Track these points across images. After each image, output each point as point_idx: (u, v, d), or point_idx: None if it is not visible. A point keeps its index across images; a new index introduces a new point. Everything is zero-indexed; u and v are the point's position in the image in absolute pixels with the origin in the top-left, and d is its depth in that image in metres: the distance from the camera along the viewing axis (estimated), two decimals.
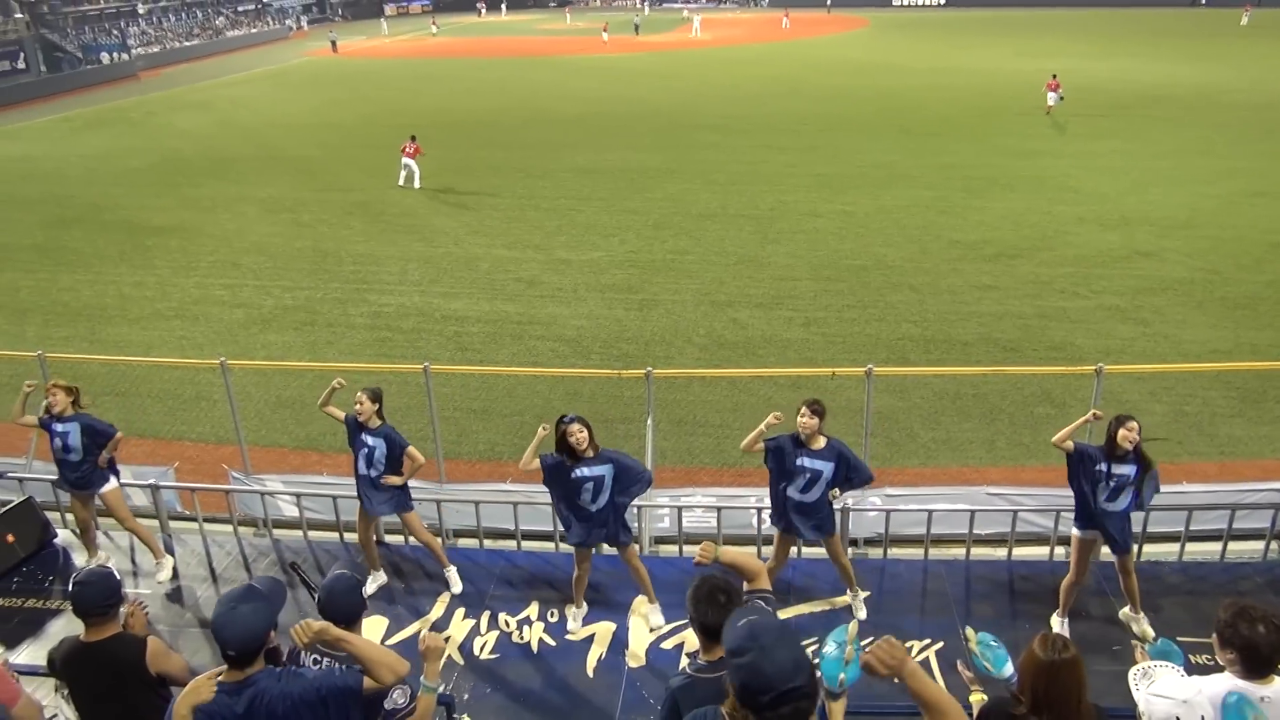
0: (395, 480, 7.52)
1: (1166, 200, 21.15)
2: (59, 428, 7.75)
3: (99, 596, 4.45)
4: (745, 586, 4.11)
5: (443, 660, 4.25)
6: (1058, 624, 7.02)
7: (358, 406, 7.39)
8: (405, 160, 24.59)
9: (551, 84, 43.30)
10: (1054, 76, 31.93)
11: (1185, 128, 29.02)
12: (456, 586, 7.74)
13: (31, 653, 6.94)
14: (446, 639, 7.09)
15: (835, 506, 7.05)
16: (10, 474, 9.16)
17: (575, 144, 29.45)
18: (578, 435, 6.67)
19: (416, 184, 24.52)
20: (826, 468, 6.78)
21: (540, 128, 32.53)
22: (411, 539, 8.03)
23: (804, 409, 6.75)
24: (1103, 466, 6.54)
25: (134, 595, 5.51)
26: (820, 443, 6.80)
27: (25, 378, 8.36)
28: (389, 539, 8.57)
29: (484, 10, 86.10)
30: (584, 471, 6.74)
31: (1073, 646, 3.55)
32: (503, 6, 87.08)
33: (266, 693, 3.73)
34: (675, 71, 45.93)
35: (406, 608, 7.54)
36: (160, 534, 8.71)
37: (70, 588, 4.47)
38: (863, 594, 7.33)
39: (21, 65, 47.44)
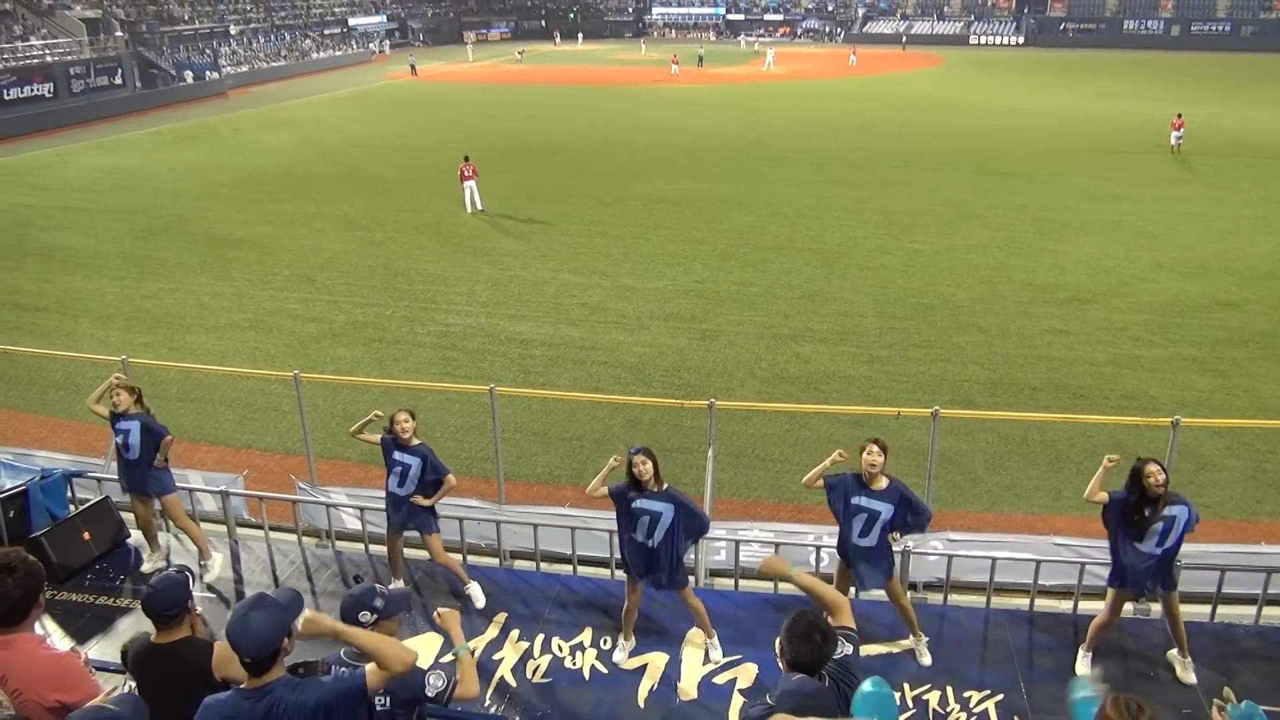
0: (425, 501, 7.66)
1: (1251, 249, 20.52)
2: (121, 425, 8.05)
3: (165, 603, 4.58)
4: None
5: (459, 622, 4.50)
6: (1082, 659, 6.97)
7: (401, 425, 7.52)
8: (465, 184, 24.81)
9: (624, 113, 43.79)
10: (1179, 115, 31.54)
11: (1274, 176, 28.15)
12: (480, 601, 7.82)
13: (101, 648, 7.14)
14: (500, 661, 7.13)
15: (895, 549, 6.97)
16: (90, 474, 9.49)
17: (645, 173, 29.70)
18: (641, 466, 6.70)
19: (479, 205, 24.78)
20: (886, 509, 6.72)
21: (611, 156, 32.90)
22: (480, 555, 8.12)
23: (872, 445, 6.70)
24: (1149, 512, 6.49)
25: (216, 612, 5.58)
26: (882, 483, 6.75)
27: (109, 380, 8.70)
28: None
29: (559, 39, 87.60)
30: (643, 504, 6.72)
31: (1149, 708, 3.45)
32: (579, 36, 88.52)
33: (283, 701, 3.85)
34: (747, 104, 46.10)
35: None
36: (228, 539, 8.95)
37: (144, 590, 4.62)
38: (925, 638, 7.20)
39: (119, 81, 49.48)
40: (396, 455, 7.61)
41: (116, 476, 8.52)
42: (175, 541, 8.89)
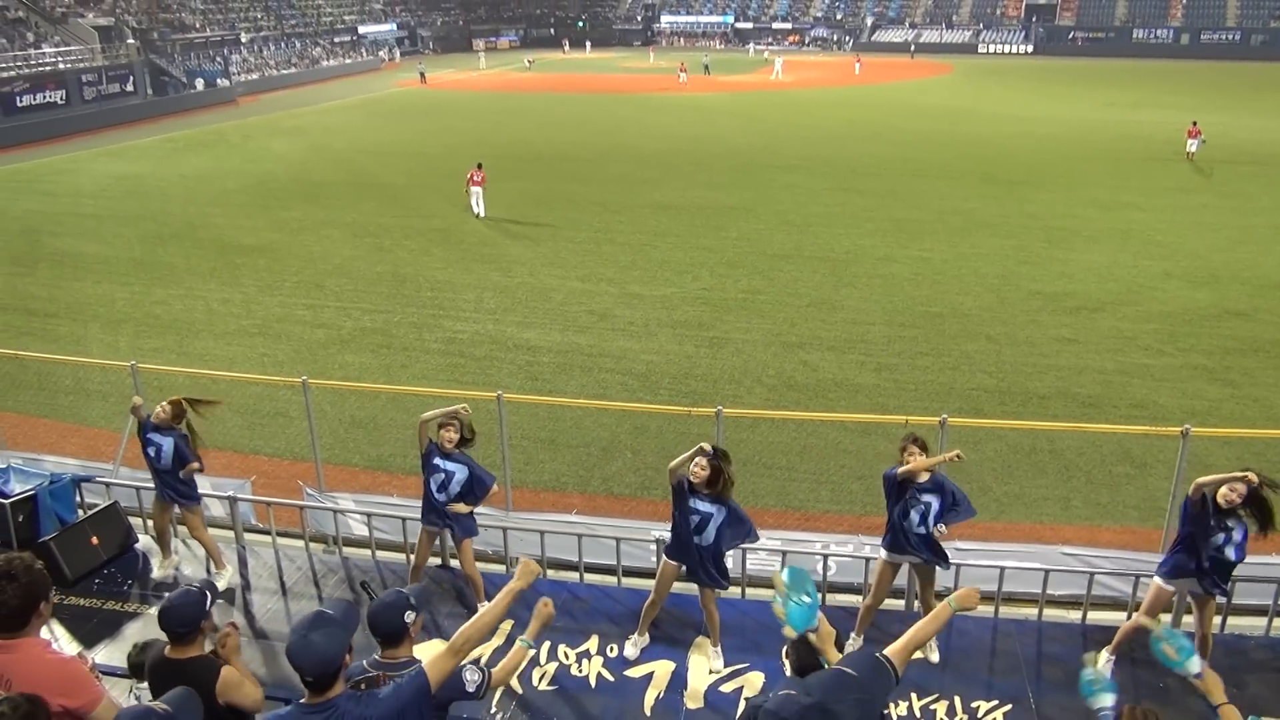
0: (463, 508, 7.66)
1: (1262, 259, 20.45)
2: (154, 437, 8.07)
3: (179, 620, 4.61)
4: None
5: (546, 623, 4.42)
6: (1104, 659, 6.93)
7: (447, 435, 7.57)
8: (473, 189, 25.08)
9: (633, 121, 43.87)
10: (1194, 123, 31.69)
11: None
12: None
13: (108, 653, 7.16)
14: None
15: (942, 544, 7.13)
16: (98, 479, 9.52)
17: (654, 180, 29.73)
18: (698, 471, 6.74)
19: (482, 211, 25.01)
20: (934, 500, 6.92)
21: (620, 163, 32.95)
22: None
23: (913, 447, 6.90)
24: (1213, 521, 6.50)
25: (226, 620, 5.58)
26: (925, 475, 6.92)
27: (117, 385, 8.76)
28: (454, 564, 8.65)
29: (568, 47, 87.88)
30: (695, 504, 6.80)
31: (1163, 718, 3.45)
32: (587, 44, 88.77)
33: (348, 715, 3.82)
34: (755, 112, 46.16)
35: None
36: (235, 544, 8.97)
37: (161, 604, 4.64)
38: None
39: (130, 88, 49.81)
40: (436, 461, 7.63)
41: (125, 482, 8.54)
42: (184, 548, 8.89)
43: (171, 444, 8.06)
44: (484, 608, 4.16)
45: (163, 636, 4.74)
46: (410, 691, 3.93)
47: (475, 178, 25.06)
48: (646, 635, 7.36)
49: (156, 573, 8.53)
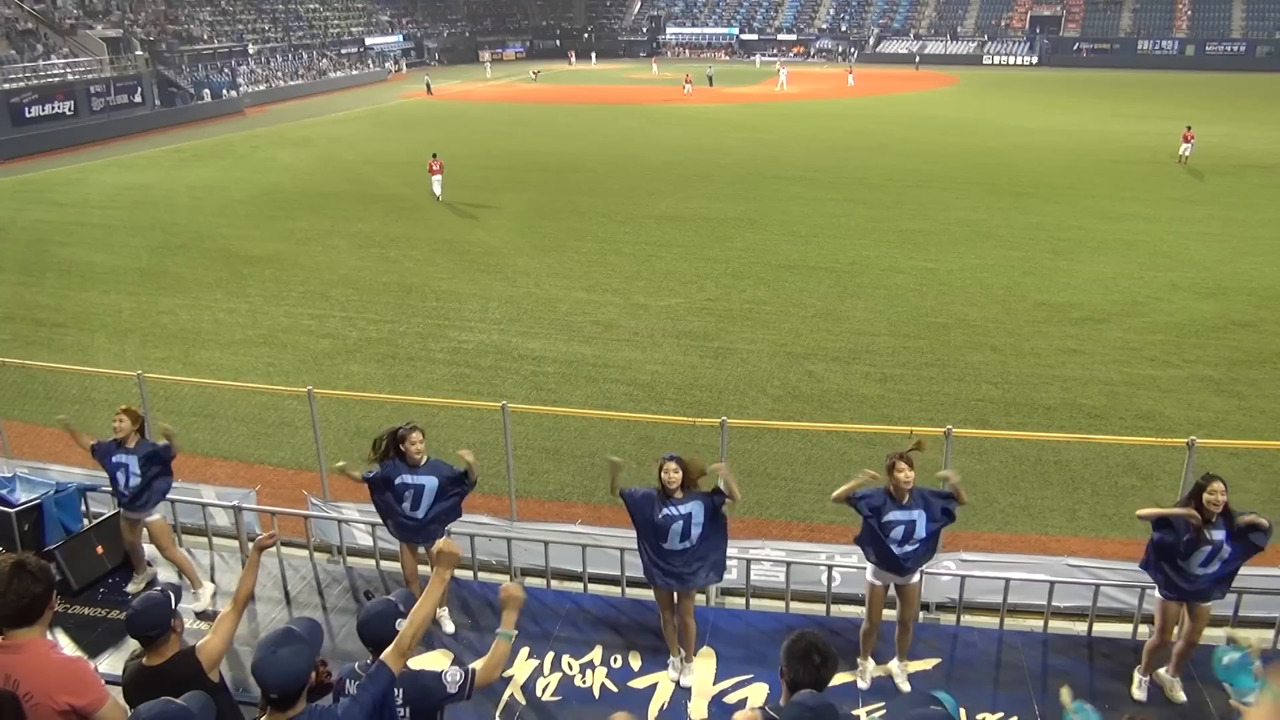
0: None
1: (1268, 269, 20.39)
2: (121, 458, 7.87)
3: (147, 623, 4.55)
4: None
5: (519, 608, 4.48)
6: (1138, 681, 6.87)
7: (415, 446, 7.35)
8: (433, 177, 28.54)
9: (638, 132, 43.96)
10: (1188, 128, 32.39)
11: None
12: (449, 628, 7.74)
13: (111, 662, 7.15)
14: (510, 679, 7.10)
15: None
16: (103, 488, 9.52)
17: (659, 191, 29.78)
18: (671, 474, 6.62)
19: (440, 194, 28.43)
20: (919, 516, 6.64)
21: (625, 174, 33.02)
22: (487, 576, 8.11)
23: (901, 463, 6.59)
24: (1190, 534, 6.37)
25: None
26: (905, 496, 6.68)
27: (124, 394, 8.78)
28: (457, 573, 8.64)
29: (574, 58, 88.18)
30: (671, 510, 6.62)
31: None
32: (593, 55, 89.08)
33: None
34: (761, 123, 46.21)
35: (473, 644, 7.58)
36: (240, 554, 8.97)
37: (126, 611, 4.61)
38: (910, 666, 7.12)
39: (139, 99, 50.07)
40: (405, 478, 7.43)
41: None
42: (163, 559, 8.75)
43: (137, 461, 7.83)
44: (417, 604, 4.17)
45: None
46: (368, 701, 3.95)
47: (433, 166, 28.38)
48: (682, 650, 7.17)
49: (131, 587, 8.34)
